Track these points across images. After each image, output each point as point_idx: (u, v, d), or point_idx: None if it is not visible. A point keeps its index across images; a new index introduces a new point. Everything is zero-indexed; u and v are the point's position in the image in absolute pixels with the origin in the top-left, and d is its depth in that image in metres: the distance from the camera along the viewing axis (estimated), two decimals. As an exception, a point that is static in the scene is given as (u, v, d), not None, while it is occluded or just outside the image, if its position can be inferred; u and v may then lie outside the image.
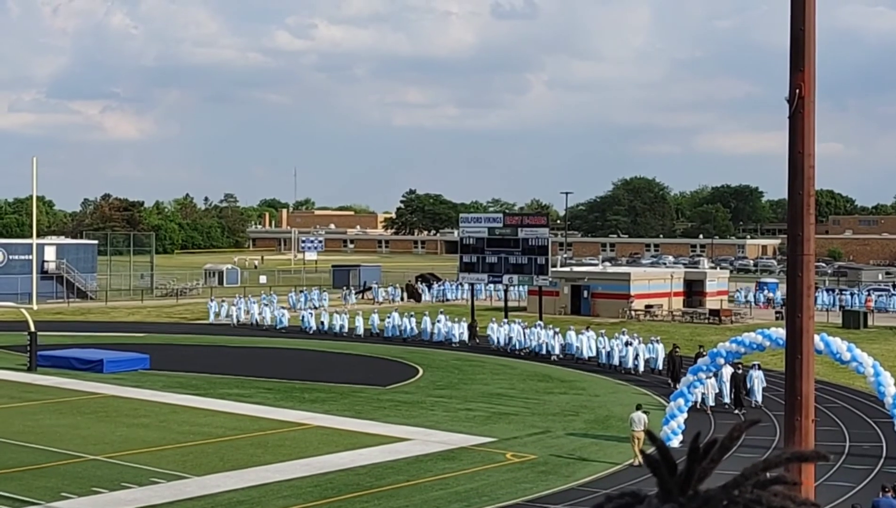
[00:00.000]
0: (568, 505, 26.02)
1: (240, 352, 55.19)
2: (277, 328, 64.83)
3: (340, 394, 41.89)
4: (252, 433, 33.96)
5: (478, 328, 59.04)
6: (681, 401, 33.10)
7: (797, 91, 16.73)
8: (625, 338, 48.63)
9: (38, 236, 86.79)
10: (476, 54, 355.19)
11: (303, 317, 65.09)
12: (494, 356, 53.49)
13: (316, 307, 71.20)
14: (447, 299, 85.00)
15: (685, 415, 33.00)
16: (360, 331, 61.60)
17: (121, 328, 65.39)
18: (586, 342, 50.75)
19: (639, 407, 31.83)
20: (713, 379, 37.58)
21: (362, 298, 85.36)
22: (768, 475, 2.01)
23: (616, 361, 48.00)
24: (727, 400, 38.30)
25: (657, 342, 48.10)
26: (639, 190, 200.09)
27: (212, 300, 73.33)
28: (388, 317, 61.80)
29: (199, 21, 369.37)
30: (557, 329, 53.00)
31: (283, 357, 53.01)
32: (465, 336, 58.13)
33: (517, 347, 53.93)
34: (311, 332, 62.99)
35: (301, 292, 79.26)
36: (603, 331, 51.91)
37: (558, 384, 45.04)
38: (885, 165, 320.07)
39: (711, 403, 37.61)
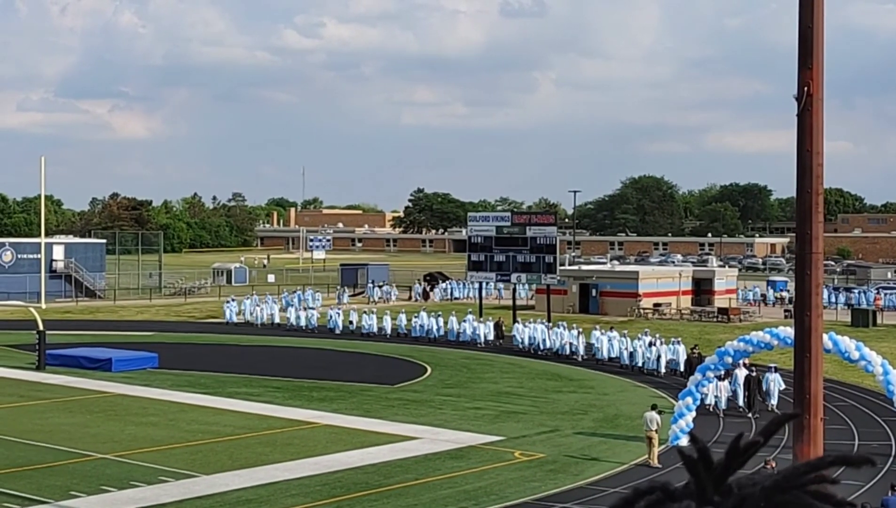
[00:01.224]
0: (576, 504, 26.01)
1: (248, 351, 55.23)
2: (306, 328, 63.37)
3: (349, 393, 41.91)
4: (261, 432, 34.00)
5: (504, 328, 57.88)
6: (689, 400, 33.03)
7: (806, 89, 16.72)
8: (648, 339, 47.63)
9: (47, 235, 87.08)
10: (484, 53, 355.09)
11: (330, 317, 63.75)
12: (516, 356, 52.78)
13: (309, 307, 70.26)
14: (454, 298, 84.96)
15: (693, 414, 32.93)
16: (388, 331, 60.60)
17: (129, 327, 65.48)
18: (606, 343, 49.66)
19: (654, 407, 31.48)
20: (726, 381, 37.03)
21: (365, 296, 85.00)
22: (807, 476, 1.99)
23: (639, 362, 46.92)
24: (741, 403, 37.59)
25: (678, 342, 46.94)
26: (647, 189, 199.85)
27: (232, 300, 71.26)
28: (416, 317, 60.90)
29: (207, 20, 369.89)
30: (581, 329, 52.22)
31: (292, 356, 53.03)
32: (492, 336, 57.10)
33: (541, 347, 52.99)
34: (339, 332, 61.84)
35: (294, 292, 77.10)
36: (626, 331, 50.96)
37: (567, 382, 45.01)
38: (894, 164, 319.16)
39: (724, 406, 36.96)
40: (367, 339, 59.57)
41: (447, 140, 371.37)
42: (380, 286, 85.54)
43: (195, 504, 25.63)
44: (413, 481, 27.92)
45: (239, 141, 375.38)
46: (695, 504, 1.94)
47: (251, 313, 68.14)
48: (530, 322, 55.71)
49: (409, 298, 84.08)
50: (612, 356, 49.40)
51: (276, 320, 66.98)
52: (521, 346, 54.04)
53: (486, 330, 57.35)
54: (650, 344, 46.98)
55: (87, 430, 34.18)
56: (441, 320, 59.67)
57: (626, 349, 48.56)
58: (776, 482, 1.94)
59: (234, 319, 68.63)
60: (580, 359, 50.51)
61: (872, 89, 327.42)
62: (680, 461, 2.11)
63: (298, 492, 26.76)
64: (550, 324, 54.79)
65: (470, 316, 59.31)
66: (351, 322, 62.96)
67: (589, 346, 50.93)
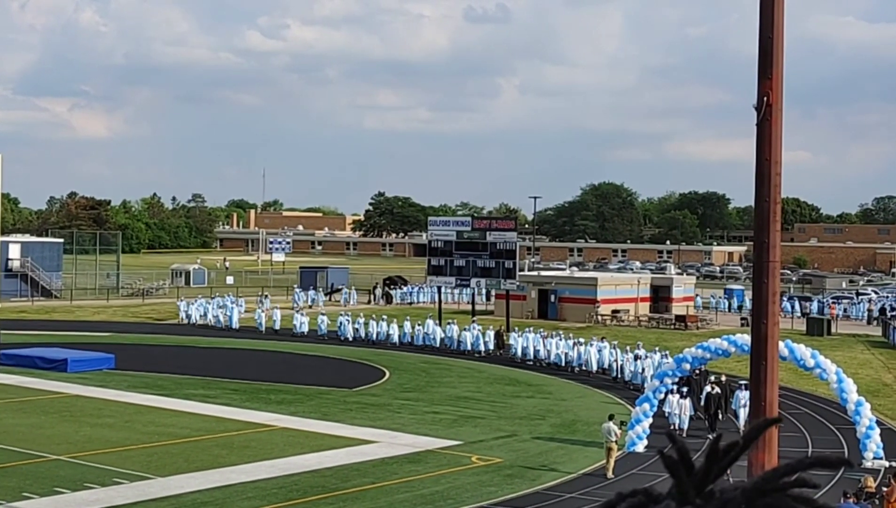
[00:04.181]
0: (533, 509, 26.07)
1: (206, 353, 54.92)
2: (319, 334, 61.64)
3: (307, 396, 41.78)
4: (217, 434, 33.81)
5: (505, 338, 55.75)
6: (646, 406, 33.21)
7: (765, 98, 16.88)
8: (640, 351, 45.41)
9: (3, 233, 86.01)
10: (449, 58, 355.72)
11: (340, 324, 61.34)
12: (513, 366, 52.26)
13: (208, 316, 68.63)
14: (412, 302, 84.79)
15: (650, 420, 33.10)
16: (395, 339, 58.33)
17: (86, 328, 64.86)
18: (595, 354, 48.14)
19: (611, 417, 30.94)
20: (687, 400, 35.42)
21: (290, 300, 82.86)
22: (787, 479, 2.00)
23: (628, 375, 44.81)
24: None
25: (667, 356, 43.98)
26: (607, 195, 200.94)
27: (234, 304, 69.07)
28: (421, 325, 59.00)
29: (171, 20, 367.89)
30: (582, 340, 50.13)
31: (250, 359, 52.79)
32: (492, 345, 55.23)
33: (538, 358, 51.40)
34: (349, 339, 59.76)
35: (213, 297, 74.39)
36: (616, 342, 49.39)
37: (525, 387, 45.11)
38: (850, 175, 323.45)
39: (685, 426, 35.05)
40: (376, 346, 57.52)
41: (410, 144, 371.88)
42: (306, 292, 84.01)
43: (150, 506, 25.44)
44: (370, 485, 27.89)
45: (200, 142, 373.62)
46: (675, 505, 1.94)
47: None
48: (529, 330, 53.76)
49: (369, 301, 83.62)
50: (603, 367, 47.81)
51: (277, 325, 64.57)
52: (518, 357, 52.23)
53: (485, 339, 55.41)
54: (636, 357, 44.88)
55: (42, 431, 33.84)
56: (452, 327, 57.57)
57: (616, 360, 46.83)
58: (756, 485, 1.95)
59: (234, 323, 67.05)
60: (574, 371, 48.69)
61: (831, 100, 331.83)
62: (662, 463, 2.11)
63: (255, 495, 26.64)
64: (546, 333, 53.28)
65: (475, 324, 57.53)
66: (356, 329, 60.89)
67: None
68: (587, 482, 28.63)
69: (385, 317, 61.62)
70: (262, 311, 66.98)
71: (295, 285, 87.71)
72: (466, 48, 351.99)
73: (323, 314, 64.52)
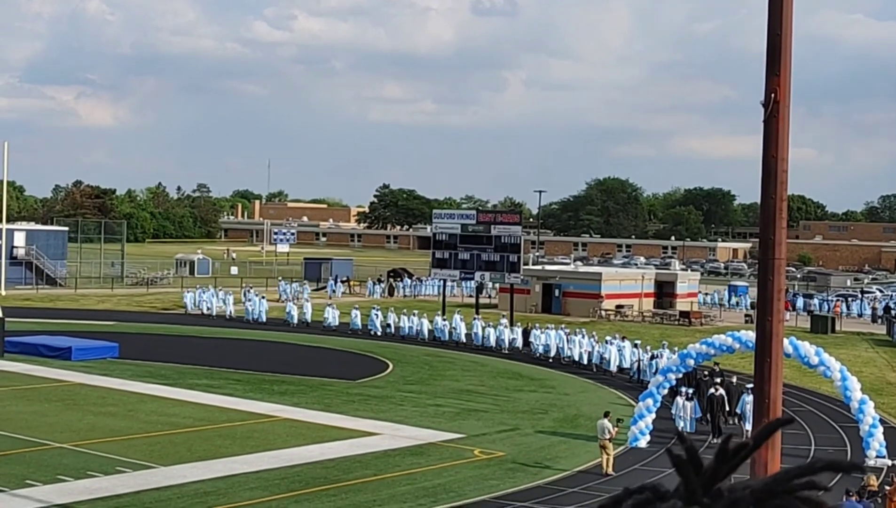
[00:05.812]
0: (535, 503, 26.09)
1: (210, 343, 54.98)
2: (352, 329, 60.54)
3: (310, 387, 41.81)
4: (220, 425, 33.85)
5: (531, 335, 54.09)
6: (649, 401, 33.21)
7: (773, 95, 16.84)
8: (664, 350, 44.04)
9: (8, 221, 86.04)
10: (455, 51, 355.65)
11: (371, 318, 60.90)
12: (536, 364, 51.41)
13: (208, 308, 68.62)
14: (416, 295, 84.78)
15: (653, 416, 33.09)
16: (426, 334, 57.77)
17: (90, 316, 64.91)
18: (615, 353, 47.10)
19: (606, 415, 30.59)
20: (693, 402, 34.54)
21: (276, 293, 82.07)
22: (797, 481, 1.99)
23: (645, 375, 42.99)
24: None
25: None
26: (612, 190, 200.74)
27: (253, 294, 68.22)
28: (448, 320, 58.15)
29: (177, 10, 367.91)
30: (609, 338, 48.86)
31: (254, 349, 52.83)
32: (519, 342, 54.15)
33: (559, 355, 50.59)
34: (378, 334, 59.39)
35: (197, 288, 73.56)
36: (638, 341, 48.27)
37: (528, 381, 45.11)
38: (856, 173, 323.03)
39: (690, 429, 34.10)
40: (403, 341, 57.43)
41: (415, 137, 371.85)
42: (291, 284, 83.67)
43: (152, 495, 25.48)
44: (372, 477, 27.92)
45: (205, 132, 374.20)
46: (682, 504, 1.94)
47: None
48: (551, 327, 52.69)
49: (350, 293, 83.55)
50: (623, 366, 46.88)
51: (307, 318, 63.81)
52: (539, 354, 51.43)
53: (511, 336, 54.48)
54: (652, 357, 43.87)
55: (45, 419, 33.89)
56: (477, 323, 56.71)
57: (638, 360, 45.74)
58: (766, 485, 1.94)
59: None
60: (594, 370, 47.93)
61: (838, 98, 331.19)
62: (670, 462, 2.10)
63: (257, 485, 26.67)
64: (569, 330, 52.21)
65: (504, 320, 56.80)
66: (388, 325, 60.26)
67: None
68: (589, 477, 28.64)
69: (416, 312, 61.06)
70: (294, 303, 66.61)
71: (279, 278, 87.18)
72: (473, 41, 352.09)
73: (356, 309, 63.47)
